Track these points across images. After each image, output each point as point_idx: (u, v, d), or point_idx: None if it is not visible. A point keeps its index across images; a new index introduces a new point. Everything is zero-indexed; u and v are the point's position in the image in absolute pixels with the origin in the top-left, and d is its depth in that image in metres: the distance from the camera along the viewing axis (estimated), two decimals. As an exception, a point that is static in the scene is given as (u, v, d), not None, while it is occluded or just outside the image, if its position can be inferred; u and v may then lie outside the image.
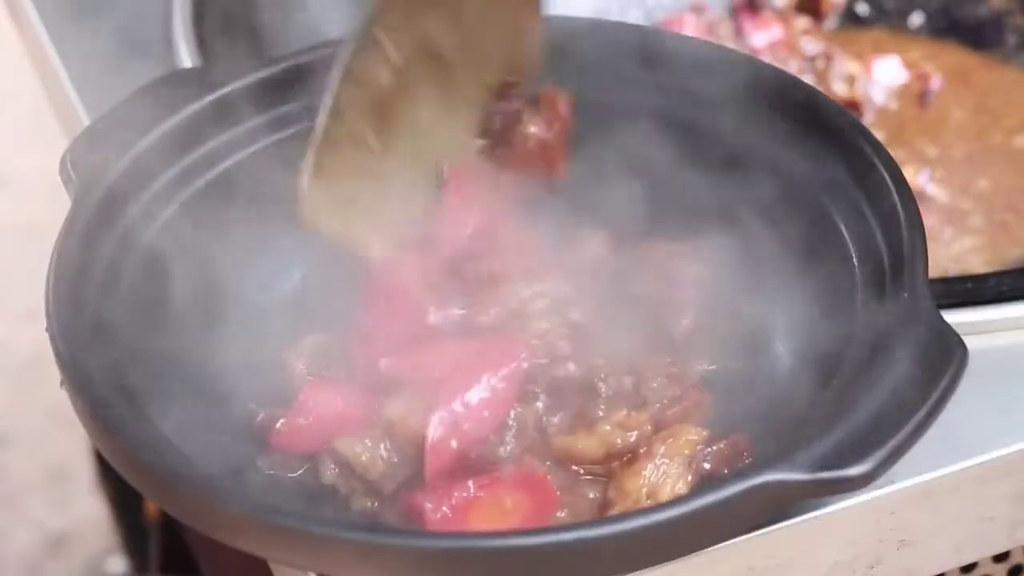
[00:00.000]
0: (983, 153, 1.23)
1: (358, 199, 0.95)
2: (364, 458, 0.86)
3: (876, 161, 0.92)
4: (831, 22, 1.34)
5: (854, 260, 0.90)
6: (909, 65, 1.29)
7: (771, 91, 0.97)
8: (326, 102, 0.91)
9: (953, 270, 1.13)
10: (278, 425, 0.88)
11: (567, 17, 1.02)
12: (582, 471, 0.88)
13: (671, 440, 0.86)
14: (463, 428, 0.85)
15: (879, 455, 0.78)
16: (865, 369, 0.83)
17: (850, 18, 1.34)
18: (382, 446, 0.86)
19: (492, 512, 0.85)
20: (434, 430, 0.84)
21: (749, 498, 0.77)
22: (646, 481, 0.85)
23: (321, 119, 0.91)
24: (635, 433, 0.88)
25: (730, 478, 0.79)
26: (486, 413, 0.86)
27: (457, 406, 0.85)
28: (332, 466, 0.87)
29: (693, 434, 0.87)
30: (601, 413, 0.89)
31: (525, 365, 0.88)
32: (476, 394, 0.86)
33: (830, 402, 0.83)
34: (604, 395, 0.89)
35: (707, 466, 0.86)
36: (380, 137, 0.94)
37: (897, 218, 0.89)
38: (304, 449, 0.88)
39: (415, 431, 0.85)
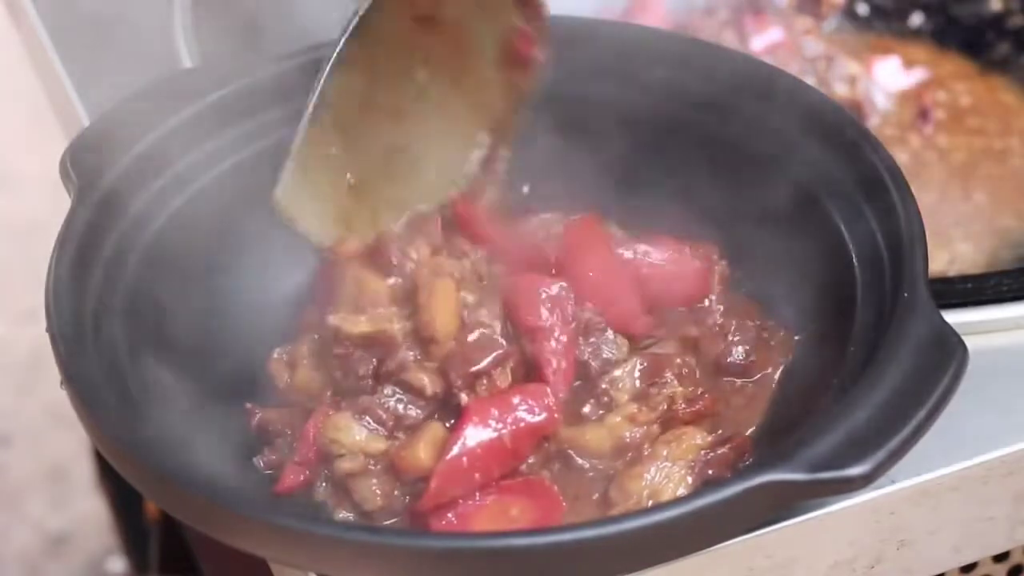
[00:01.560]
0: (984, 155, 1.23)
1: (332, 197, 0.97)
2: (365, 492, 0.85)
3: (876, 161, 0.92)
4: (831, 23, 1.33)
5: (854, 260, 0.90)
6: (909, 66, 1.29)
7: (771, 92, 0.97)
8: (309, 106, 0.96)
9: (953, 270, 1.13)
10: (285, 471, 0.87)
11: (570, 17, 1.02)
12: (587, 466, 0.87)
13: (675, 443, 0.86)
14: (472, 478, 0.84)
15: (879, 455, 0.78)
16: (865, 369, 0.83)
17: (850, 18, 1.34)
18: (382, 478, 0.85)
19: (497, 520, 0.84)
20: (439, 476, 0.83)
21: (749, 498, 0.77)
22: (648, 482, 0.85)
23: (303, 122, 0.95)
24: (642, 429, 0.87)
25: (731, 479, 0.79)
26: (495, 468, 0.84)
27: (466, 454, 0.83)
28: (323, 483, 0.87)
29: (698, 439, 0.87)
30: (614, 405, 0.88)
31: (549, 426, 0.86)
32: (489, 442, 0.84)
33: (830, 402, 0.83)
34: (619, 389, 0.89)
35: (710, 471, 0.86)
36: (350, 143, 0.97)
37: (897, 218, 0.89)
38: (309, 482, 0.87)
39: (414, 465, 0.84)
